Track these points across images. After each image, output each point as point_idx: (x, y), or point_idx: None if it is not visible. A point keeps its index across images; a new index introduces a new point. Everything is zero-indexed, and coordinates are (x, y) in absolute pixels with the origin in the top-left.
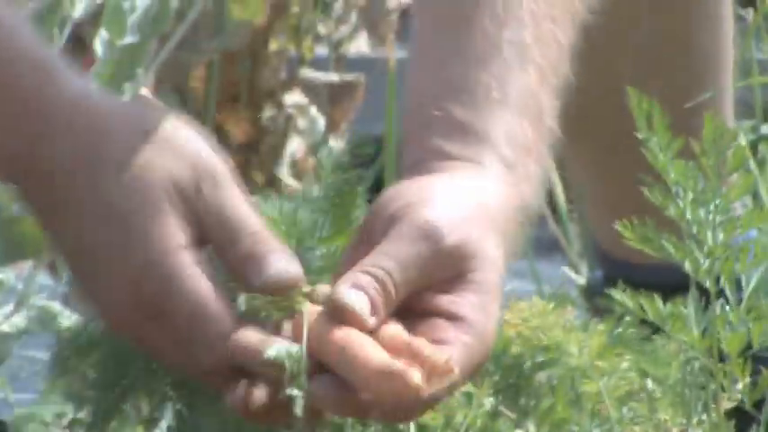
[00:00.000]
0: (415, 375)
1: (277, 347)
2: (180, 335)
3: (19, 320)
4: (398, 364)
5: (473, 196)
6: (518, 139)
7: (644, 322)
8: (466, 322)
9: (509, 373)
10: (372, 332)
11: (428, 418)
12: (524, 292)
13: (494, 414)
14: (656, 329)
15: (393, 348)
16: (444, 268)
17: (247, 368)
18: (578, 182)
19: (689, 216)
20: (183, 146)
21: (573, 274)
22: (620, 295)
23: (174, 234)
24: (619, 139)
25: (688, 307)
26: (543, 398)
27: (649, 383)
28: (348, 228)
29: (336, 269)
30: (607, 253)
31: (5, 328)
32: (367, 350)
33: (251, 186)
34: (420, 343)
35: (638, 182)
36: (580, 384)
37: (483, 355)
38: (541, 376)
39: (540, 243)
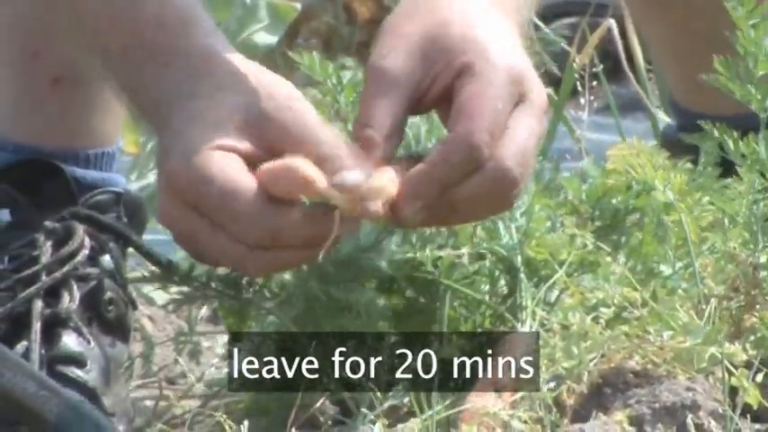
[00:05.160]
0: None
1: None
2: (215, 216)
3: None
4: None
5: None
6: None
7: (720, 164)
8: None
9: (605, 215)
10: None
11: (535, 252)
12: (611, 143)
13: (591, 250)
14: (727, 172)
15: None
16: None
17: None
18: (656, 47)
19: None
20: (259, 84)
21: (653, 127)
22: (699, 137)
23: (220, 136)
24: (693, 11)
25: (759, 145)
26: (632, 235)
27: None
28: None
29: None
30: (681, 106)
31: None
32: None
33: None
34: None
35: (711, 42)
36: (665, 216)
37: (508, 76)
38: (632, 218)
39: (623, 101)
